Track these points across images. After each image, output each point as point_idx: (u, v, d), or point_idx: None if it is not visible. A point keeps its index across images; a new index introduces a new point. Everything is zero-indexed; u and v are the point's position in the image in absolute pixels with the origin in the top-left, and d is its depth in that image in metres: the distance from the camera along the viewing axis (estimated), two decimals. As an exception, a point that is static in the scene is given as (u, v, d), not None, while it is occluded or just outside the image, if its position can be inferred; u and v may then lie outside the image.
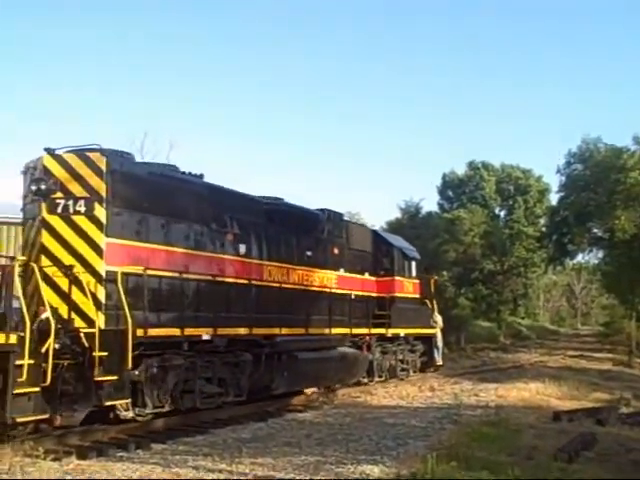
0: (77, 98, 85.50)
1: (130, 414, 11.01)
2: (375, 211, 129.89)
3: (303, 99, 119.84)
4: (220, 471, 8.55)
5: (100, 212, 10.76)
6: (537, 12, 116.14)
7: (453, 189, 64.62)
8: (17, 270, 9.75)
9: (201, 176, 13.39)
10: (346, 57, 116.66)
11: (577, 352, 41.42)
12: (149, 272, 11.12)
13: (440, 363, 22.92)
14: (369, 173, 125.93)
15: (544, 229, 49.13)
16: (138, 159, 13.27)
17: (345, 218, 19.78)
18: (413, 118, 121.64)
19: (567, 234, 41.00)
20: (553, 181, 62.64)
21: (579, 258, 49.66)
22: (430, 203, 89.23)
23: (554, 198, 50.82)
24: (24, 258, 10.66)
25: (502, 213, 64.17)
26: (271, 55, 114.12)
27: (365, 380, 18.55)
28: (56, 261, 10.63)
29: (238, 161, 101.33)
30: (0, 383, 8.81)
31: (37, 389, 9.12)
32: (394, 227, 54.19)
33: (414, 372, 21.38)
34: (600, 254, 45.37)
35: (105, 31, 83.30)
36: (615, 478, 9.11)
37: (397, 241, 21.55)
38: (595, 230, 40.95)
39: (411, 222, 57.24)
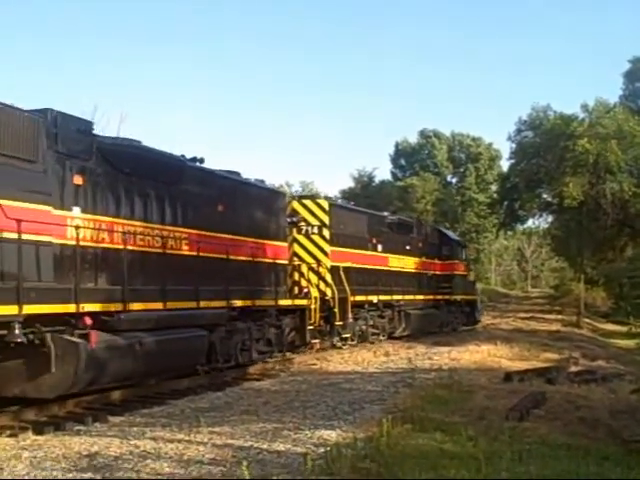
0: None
1: (339, 344, 19.54)
2: (330, 180, 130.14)
3: (266, 72, 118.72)
4: (179, 441, 8.53)
5: (326, 233, 19.35)
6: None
7: (406, 157, 65.01)
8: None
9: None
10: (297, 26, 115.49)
11: (528, 314, 42.31)
12: (353, 265, 20.33)
13: (480, 319, 32.62)
14: (324, 142, 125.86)
15: (495, 196, 49.74)
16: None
17: (422, 223, 30.10)
18: (366, 87, 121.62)
19: (517, 200, 41.65)
20: (503, 148, 63.49)
21: (529, 223, 50.57)
22: (383, 172, 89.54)
23: (505, 165, 51.53)
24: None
25: (454, 180, 64.91)
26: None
27: (437, 330, 27.02)
28: (302, 261, 18.86)
29: (203, 134, 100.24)
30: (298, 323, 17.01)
31: (312, 327, 17.39)
32: (347, 196, 54.34)
33: (463, 325, 30.21)
34: (550, 219, 46.34)
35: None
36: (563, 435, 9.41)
37: (453, 235, 32.10)
38: (545, 196, 41.67)
39: (364, 191, 57.54)
